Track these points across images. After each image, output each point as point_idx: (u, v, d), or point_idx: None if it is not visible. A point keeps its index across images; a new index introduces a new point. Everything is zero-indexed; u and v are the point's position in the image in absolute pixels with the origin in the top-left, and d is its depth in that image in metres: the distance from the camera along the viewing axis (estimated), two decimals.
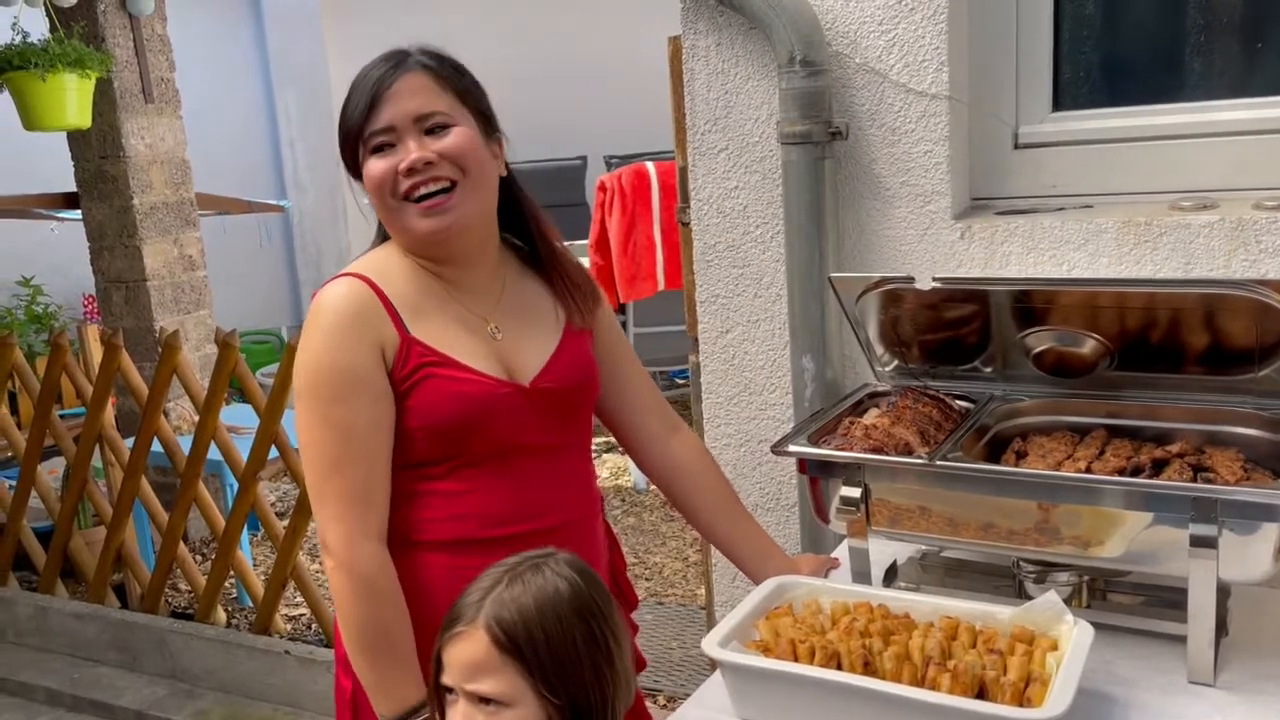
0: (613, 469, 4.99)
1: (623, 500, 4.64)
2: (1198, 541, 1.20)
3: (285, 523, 3.27)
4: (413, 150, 1.36)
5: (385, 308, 1.40)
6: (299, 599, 3.57)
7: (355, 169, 1.43)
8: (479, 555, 1.30)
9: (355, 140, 1.39)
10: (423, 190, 1.38)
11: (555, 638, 1.11)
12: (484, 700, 1.10)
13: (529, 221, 1.55)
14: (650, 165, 4.59)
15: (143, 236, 4.10)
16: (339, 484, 1.37)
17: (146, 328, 4.13)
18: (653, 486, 4.75)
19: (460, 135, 1.39)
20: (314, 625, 3.45)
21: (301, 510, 3.18)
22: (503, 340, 1.47)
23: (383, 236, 1.51)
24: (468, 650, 1.10)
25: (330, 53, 6.80)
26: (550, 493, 1.48)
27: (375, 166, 1.38)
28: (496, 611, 1.10)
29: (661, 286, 4.60)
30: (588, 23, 6.78)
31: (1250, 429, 1.45)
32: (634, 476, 4.77)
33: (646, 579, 3.87)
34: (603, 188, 4.52)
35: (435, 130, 1.38)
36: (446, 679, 1.11)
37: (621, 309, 4.94)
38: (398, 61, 1.39)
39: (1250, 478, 1.35)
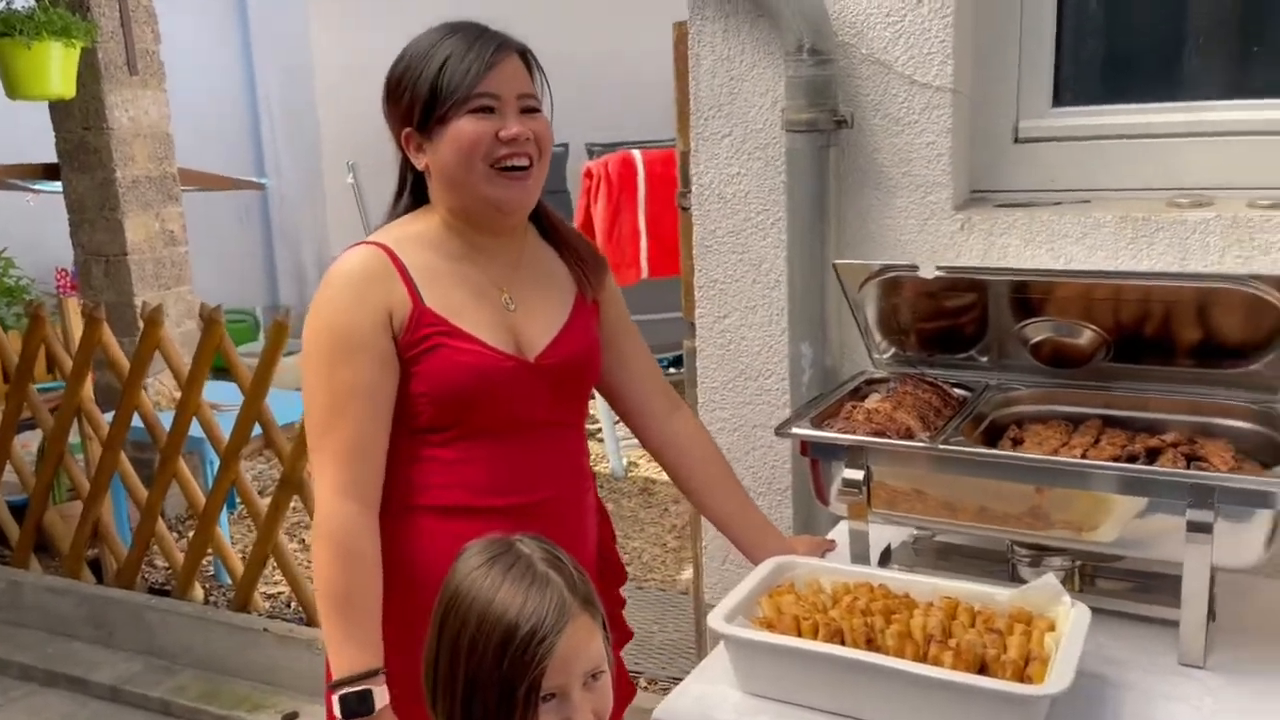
0: (593, 456, 5.00)
1: (602, 486, 4.64)
2: (1194, 527, 1.24)
3: (267, 501, 3.26)
4: (513, 123, 1.42)
5: (400, 275, 1.43)
6: (278, 577, 3.55)
7: (427, 127, 1.43)
8: (470, 522, 1.36)
9: (449, 99, 1.41)
10: (510, 162, 1.43)
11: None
12: (594, 676, 1.12)
13: None
14: (637, 154, 4.58)
15: (124, 210, 4.05)
16: (330, 442, 1.40)
17: (126, 302, 4.08)
18: (631, 473, 4.80)
19: (545, 121, 1.48)
20: (293, 603, 3.44)
21: (284, 488, 3.17)
22: (516, 311, 1.50)
23: (405, 209, 1.53)
24: (582, 638, 1.10)
25: (314, 37, 6.72)
26: (543, 468, 1.51)
27: (474, 126, 1.41)
28: (578, 588, 1.12)
29: (645, 275, 4.61)
30: (574, 11, 6.77)
31: (1240, 421, 1.48)
32: (613, 463, 4.78)
33: (626, 564, 3.87)
34: (589, 174, 4.52)
35: (528, 111, 1.45)
36: (553, 686, 1.08)
37: None
38: (502, 40, 1.45)
39: (1241, 468, 1.38)
